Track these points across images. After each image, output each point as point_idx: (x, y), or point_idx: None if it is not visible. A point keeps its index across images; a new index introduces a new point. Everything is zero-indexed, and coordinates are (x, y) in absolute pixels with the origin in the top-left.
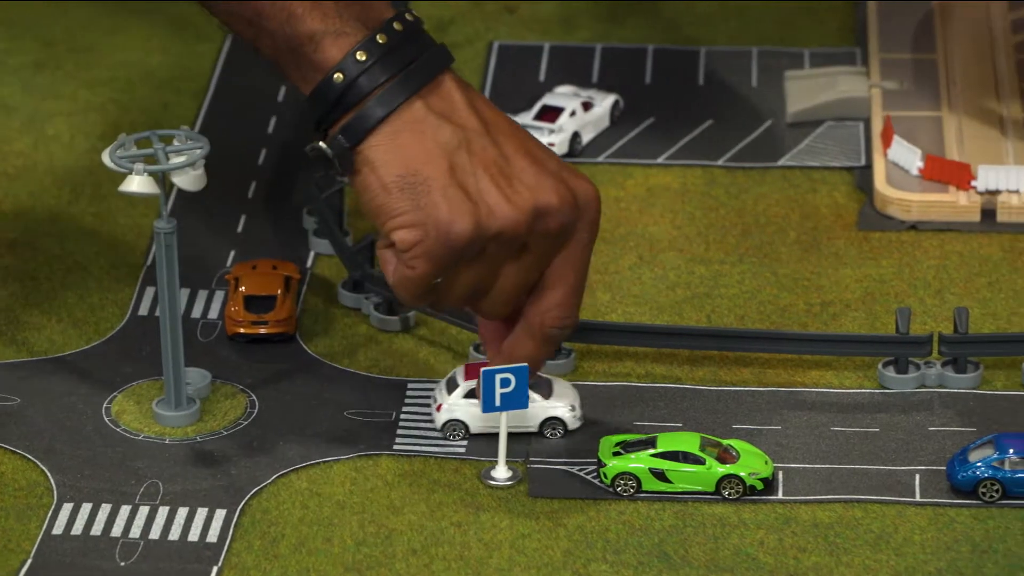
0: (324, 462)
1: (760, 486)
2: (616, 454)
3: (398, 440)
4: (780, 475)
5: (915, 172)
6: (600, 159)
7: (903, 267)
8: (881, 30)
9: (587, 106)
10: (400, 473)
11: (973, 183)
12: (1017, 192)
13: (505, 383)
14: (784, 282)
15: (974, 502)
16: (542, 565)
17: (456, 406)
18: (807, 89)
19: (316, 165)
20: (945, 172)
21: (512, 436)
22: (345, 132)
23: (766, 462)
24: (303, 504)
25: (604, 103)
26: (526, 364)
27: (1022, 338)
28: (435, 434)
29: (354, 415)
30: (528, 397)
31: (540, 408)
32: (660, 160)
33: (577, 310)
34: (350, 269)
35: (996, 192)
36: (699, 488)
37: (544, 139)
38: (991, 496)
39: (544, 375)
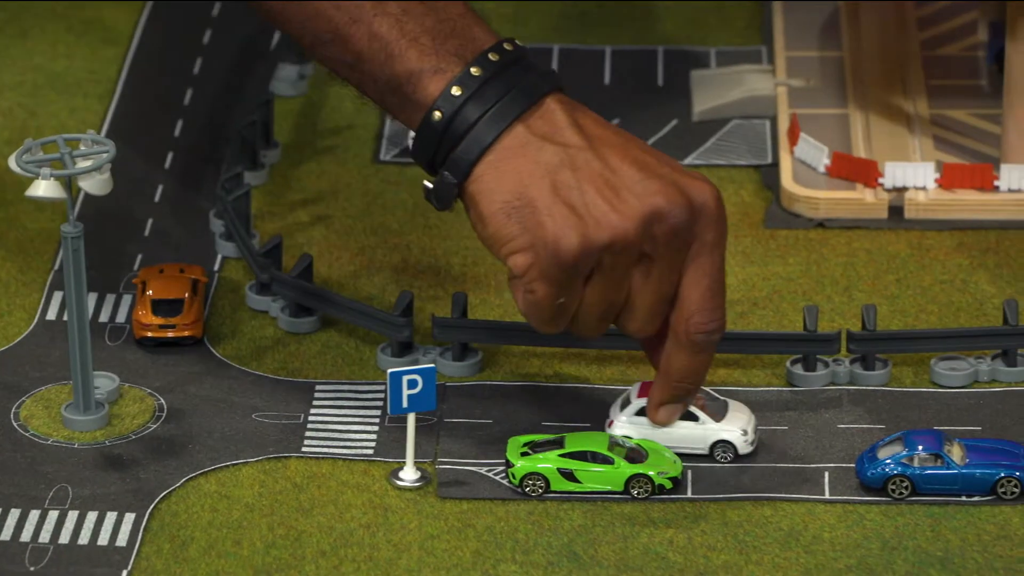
0: (233, 465)
1: (669, 485)
2: (524, 454)
3: (307, 442)
4: (689, 474)
5: (822, 170)
6: None
7: (811, 265)
8: (787, 28)
9: None
10: (309, 475)
11: (880, 180)
12: (924, 189)
13: (412, 384)
14: None
15: (883, 499)
16: (451, 566)
17: (627, 423)
18: (713, 87)
19: (228, 168)
20: (852, 169)
21: (414, 436)
22: (451, 168)
23: (675, 461)
24: (212, 507)
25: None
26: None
27: (930, 335)
28: (343, 436)
29: (262, 418)
30: (436, 397)
31: (711, 431)
32: None
33: (720, 312)
34: (257, 272)
35: (903, 189)
36: (608, 488)
37: None
38: (900, 493)
39: (722, 397)
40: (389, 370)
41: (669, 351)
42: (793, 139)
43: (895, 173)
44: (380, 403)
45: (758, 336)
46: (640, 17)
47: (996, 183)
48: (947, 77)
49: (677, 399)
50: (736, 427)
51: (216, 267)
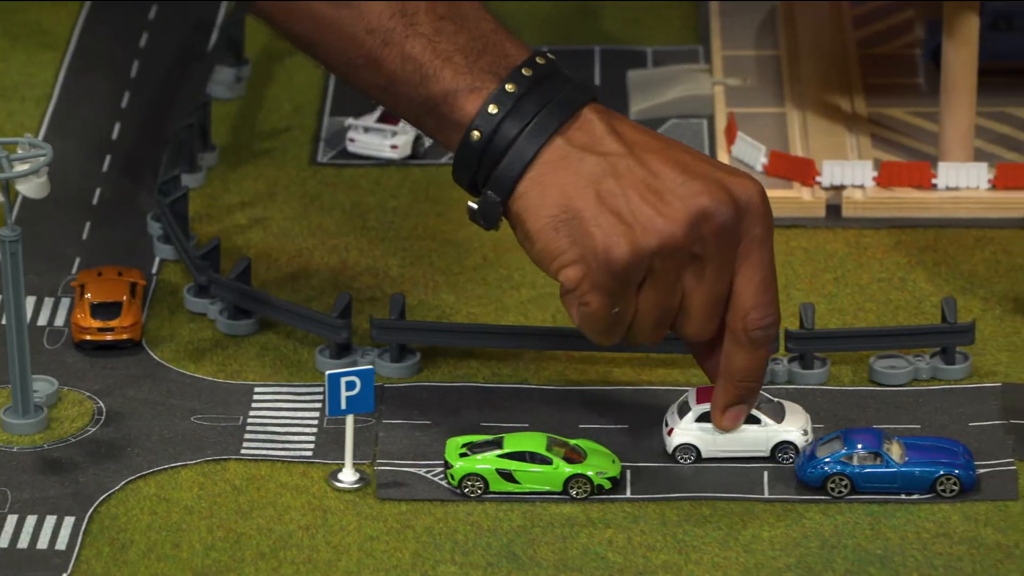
0: (172, 467)
1: (608, 485)
2: (463, 455)
3: (245, 444)
4: (628, 474)
5: (759, 168)
6: (443, 160)
7: None
8: (723, 27)
9: None
10: (248, 477)
11: (818, 179)
12: (862, 187)
13: (350, 386)
14: None
15: (823, 498)
16: (391, 567)
17: (687, 430)
18: (650, 87)
19: (165, 171)
20: (789, 168)
21: (352, 438)
22: (494, 187)
23: (613, 461)
24: (151, 510)
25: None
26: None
27: (868, 333)
28: (282, 438)
29: (201, 420)
30: (374, 399)
31: (772, 432)
32: None
33: (775, 306)
34: (195, 274)
35: (841, 187)
36: (547, 488)
37: (387, 141)
38: (839, 491)
39: (776, 399)
40: (327, 372)
41: (728, 351)
42: (730, 138)
43: (832, 171)
44: (319, 405)
45: None
46: (576, 17)
47: (933, 181)
48: (884, 75)
49: (741, 400)
50: (796, 427)
51: (154, 270)
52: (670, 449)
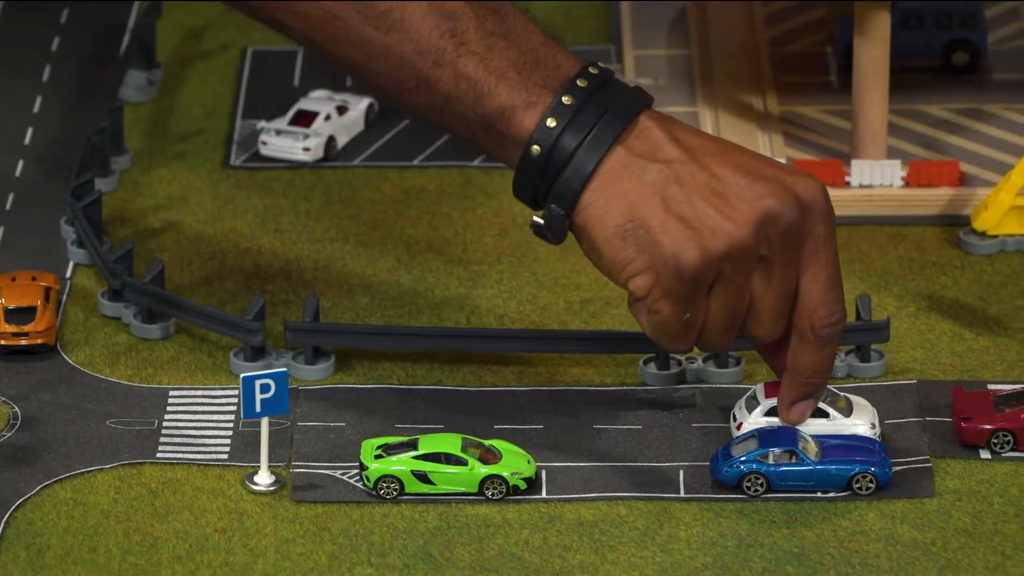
0: (88, 472)
1: (523, 486)
2: (378, 457)
3: (161, 448)
4: (543, 474)
5: None
6: (356, 162)
7: None
8: (634, 27)
9: (342, 110)
10: (164, 481)
11: None
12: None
13: (265, 389)
14: (543, 281)
15: (739, 496)
16: (307, 570)
17: (759, 424)
18: None
19: (78, 175)
20: None
21: (268, 440)
22: (557, 200)
23: (529, 461)
24: (68, 514)
25: (359, 106)
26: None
27: None
28: (198, 441)
29: (117, 424)
30: (289, 401)
31: (842, 426)
32: (416, 162)
33: (842, 303)
34: (109, 278)
35: None
36: (462, 489)
37: (299, 144)
38: (755, 490)
39: (844, 394)
40: (242, 375)
41: (795, 349)
42: None
43: None
44: (234, 408)
45: (611, 335)
46: None
47: (847, 179)
48: (796, 73)
49: (807, 396)
50: (866, 420)
51: (68, 274)
52: None
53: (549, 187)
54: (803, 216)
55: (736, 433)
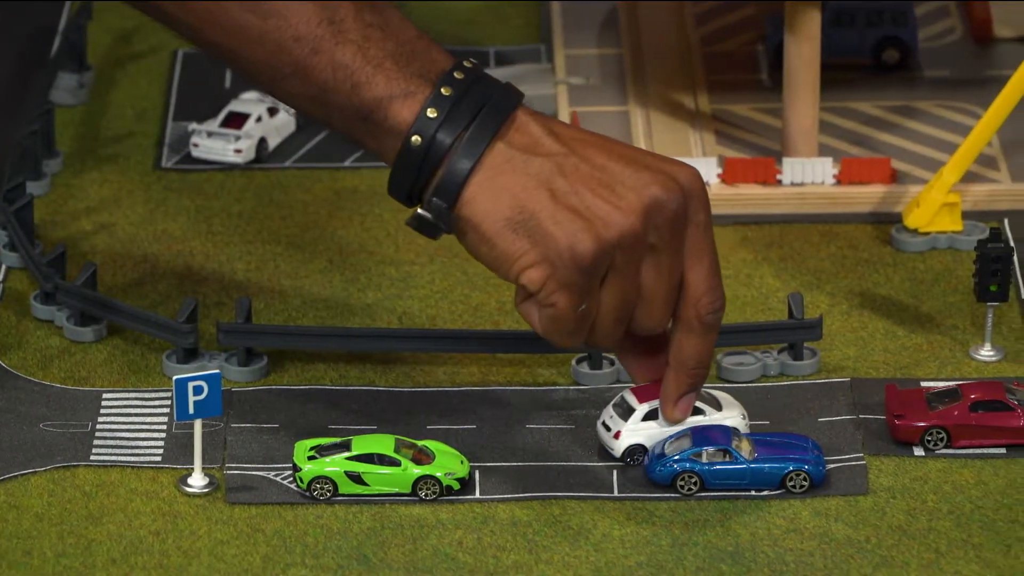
0: (21, 475)
1: (457, 486)
2: (311, 458)
3: (95, 450)
4: (477, 474)
5: None
6: (287, 164)
7: None
8: (565, 26)
9: (273, 112)
10: (98, 483)
11: None
12: (706, 184)
13: (198, 391)
14: (475, 281)
15: (672, 495)
16: (241, 571)
17: (637, 430)
18: None
19: (9, 178)
20: None
21: (201, 442)
22: (439, 193)
23: (462, 462)
24: (2, 517)
25: (290, 108)
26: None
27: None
28: (131, 443)
29: (50, 427)
30: (222, 403)
31: (717, 420)
32: (347, 163)
33: (722, 290)
34: (42, 281)
35: None
36: (396, 490)
37: (230, 146)
38: (689, 489)
39: (705, 390)
40: (175, 377)
41: (680, 340)
42: None
43: None
44: (167, 410)
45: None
46: (417, 18)
47: (778, 177)
48: (727, 72)
49: (693, 388)
50: (736, 413)
51: (0, 277)
52: (619, 453)
53: (427, 181)
54: (686, 203)
55: (612, 443)
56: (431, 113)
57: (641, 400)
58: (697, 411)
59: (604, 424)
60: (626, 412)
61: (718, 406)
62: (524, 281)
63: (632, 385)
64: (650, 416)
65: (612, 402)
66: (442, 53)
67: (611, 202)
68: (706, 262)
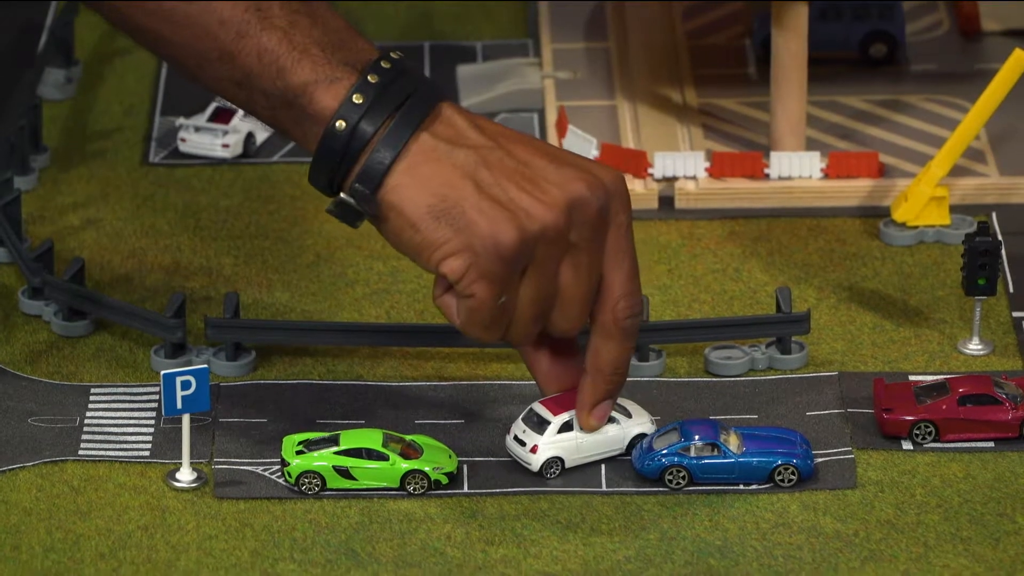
0: (10, 470)
1: (445, 480)
2: (299, 453)
3: (83, 445)
4: (465, 469)
5: None
6: (275, 159)
7: None
8: (553, 20)
9: None
10: (86, 478)
11: (650, 170)
12: (694, 178)
13: (186, 385)
14: None
15: (661, 489)
16: (230, 566)
17: (552, 443)
18: (480, 82)
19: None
20: (621, 160)
21: (189, 437)
22: (362, 180)
23: (450, 456)
24: None
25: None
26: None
27: (703, 324)
28: (119, 438)
29: (38, 422)
30: (210, 398)
31: (628, 427)
32: None
33: (640, 294)
34: (29, 277)
35: (673, 179)
36: (384, 484)
37: (218, 140)
38: (677, 483)
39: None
40: (163, 372)
41: (597, 346)
42: (561, 131)
43: (664, 163)
44: (155, 405)
45: None
46: (405, 13)
47: (766, 171)
48: (714, 66)
49: (610, 395)
50: (646, 419)
51: None
52: (536, 467)
53: (350, 168)
54: (608, 203)
55: (528, 458)
56: (357, 99)
57: (554, 412)
58: (610, 419)
59: (516, 438)
60: (539, 425)
61: (628, 414)
62: (445, 270)
63: (541, 398)
64: (565, 428)
65: (521, 416)
66: (368, 44)
67: (535, 196)
68: (626, 265)
